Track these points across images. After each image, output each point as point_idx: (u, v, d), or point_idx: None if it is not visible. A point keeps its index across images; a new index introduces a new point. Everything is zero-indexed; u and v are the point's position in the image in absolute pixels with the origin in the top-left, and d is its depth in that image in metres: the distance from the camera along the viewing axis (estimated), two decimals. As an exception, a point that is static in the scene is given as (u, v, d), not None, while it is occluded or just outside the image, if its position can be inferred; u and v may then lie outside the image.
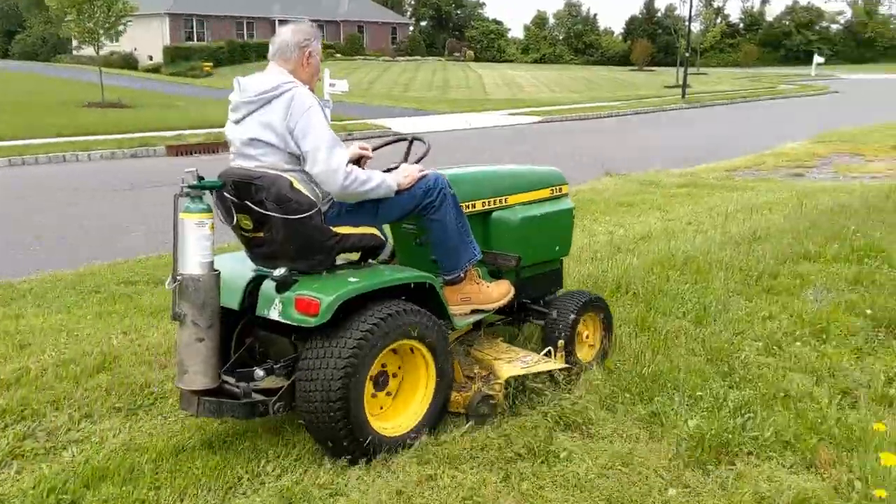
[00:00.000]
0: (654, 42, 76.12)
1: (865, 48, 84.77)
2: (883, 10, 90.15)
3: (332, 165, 3.09)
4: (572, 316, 3.93)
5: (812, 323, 4.65)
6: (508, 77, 50.93)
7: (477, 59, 77.91)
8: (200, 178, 2.97)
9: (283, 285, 3.06)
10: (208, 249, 2.98)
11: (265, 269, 3.24)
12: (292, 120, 3.08)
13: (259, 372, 3.16)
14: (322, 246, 3.18)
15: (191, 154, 15.30)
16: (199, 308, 2.96)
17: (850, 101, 31.45)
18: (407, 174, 3.41)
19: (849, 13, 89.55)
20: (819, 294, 5.27)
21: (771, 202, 8.98)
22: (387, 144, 4.03)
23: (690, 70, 60.75)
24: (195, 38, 54.44)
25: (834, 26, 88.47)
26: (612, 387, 3.70)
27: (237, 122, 3.21)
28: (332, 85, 19.08)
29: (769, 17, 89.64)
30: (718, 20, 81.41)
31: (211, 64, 48.86)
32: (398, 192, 3.35)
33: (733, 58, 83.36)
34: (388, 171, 3.45)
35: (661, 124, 22.31)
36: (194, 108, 23.21)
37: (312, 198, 3.13)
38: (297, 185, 3.08)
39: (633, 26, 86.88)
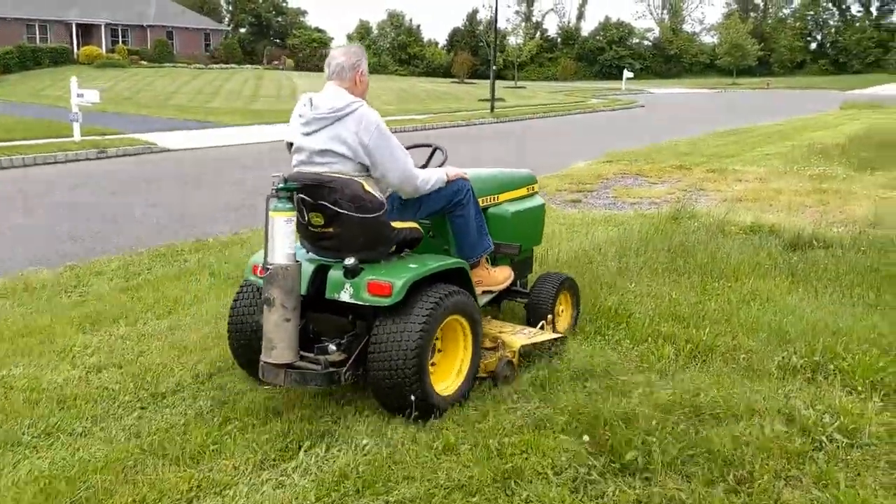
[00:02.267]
0: (477, 55, 76.74)
1: (672, 64, 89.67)
2: (687, 27, 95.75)
3: (407, 173, 3.74)
4: (554, 294, 4.64)
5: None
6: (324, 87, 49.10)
7: (299, 68, 75.55)
8: (285, 181, 3.42)
9: (352, 272, 3.51)
10: (294, 242, 3.43)
11: (327, 260, 3.71)
12: (364, 135, 3.57)
13: (332, 346, 3.58)
14: (386, 239, 3.67)
15: None
16: (286, 293, 3.39)
17: (652, 115, 32.03)
18: (449, 173, 4.04)
19: (657, 30, 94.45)
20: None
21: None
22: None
23: (509, 84, 61.81)
24: (-24, 42, 48.80)
25: (644, 43, 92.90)
26: None
27: (308, 133, 3.63)
28: (80, 95, 16.67)
29: (585, 33, 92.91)
30: (537, 34, 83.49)
31: (-2, 69, 43.94)
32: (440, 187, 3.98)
33: (552, 72, 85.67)
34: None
35: (463, 139, 21.28)
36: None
37: (381, 198, 3.63)
38: (367, 187, 3.59)
39: (456, 38, 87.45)
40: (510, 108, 35.02)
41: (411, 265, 3.65)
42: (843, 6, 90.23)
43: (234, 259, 6.89)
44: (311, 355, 3.58)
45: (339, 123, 3.58)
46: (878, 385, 3.99)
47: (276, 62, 73.39)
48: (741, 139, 18.93)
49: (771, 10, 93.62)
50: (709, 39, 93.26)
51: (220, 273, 6.45)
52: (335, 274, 3.60)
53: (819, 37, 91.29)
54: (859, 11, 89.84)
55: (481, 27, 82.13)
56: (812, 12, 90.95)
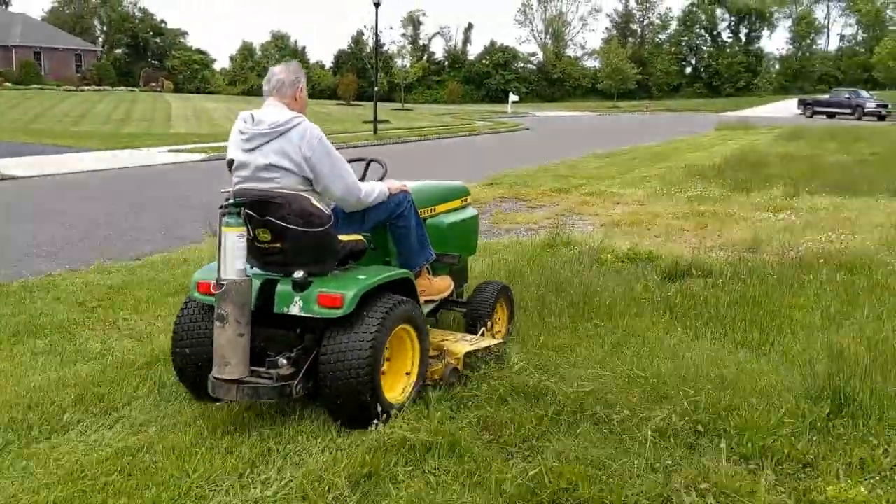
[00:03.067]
0: (363, 77, 76.09)
1: (556, 87, 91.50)
2: (570, 52, 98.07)
3: (350, 185, 3.82)
4: (493, 301, 4.79)
5: None
6: (202, 109, 47.32)
7: (179, 91, 73.03)
8: (235, 197, 3.45)
9: (302, 285, 3.54)
10: (245, 258, 3.48)
11: (271, 274, 3.73)
12: (307, 149, 3.63)
13: (282, 360, 3.59)
14: (333, 252, 3.73)
15: None
16: (240, 308, 3.42)
17: (536, 138, 32.02)
18: (392, 185, 4.19)
19: (541, 55, 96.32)
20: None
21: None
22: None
23: (396, 106, 61.39)
24: None
25: (528, 66, 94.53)
26: None
27: (251, 150, 3.65)
28: None
29: (471, 57, 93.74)
30: (424, 57, 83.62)
31: None
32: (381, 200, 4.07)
33: (440, 94, 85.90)
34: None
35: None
36: None
37: (328, 212, 3.69)
38: (314, 202, 3.64)
39: (342, 60, 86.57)
40: (395, 129, 34.37)
41: (360, 276, 3.71)
42: (715, 32, 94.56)
43: (32, 310, 5.82)
44: (262, 370, 3.59)
45: (281, 138, 3.62)
46: (769, 451, 3.38)
47: (153, 84, 70.57)
48: (620, 161, 18.85)
49: (648, 36, 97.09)
50: (591, 64, 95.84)
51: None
52: (283, 288, 3.61)
53: (693, 61, 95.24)
54: (730, 37, 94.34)
55: (367, 49, 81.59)
56: (686, 38, 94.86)
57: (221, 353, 3.44)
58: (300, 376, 3.59)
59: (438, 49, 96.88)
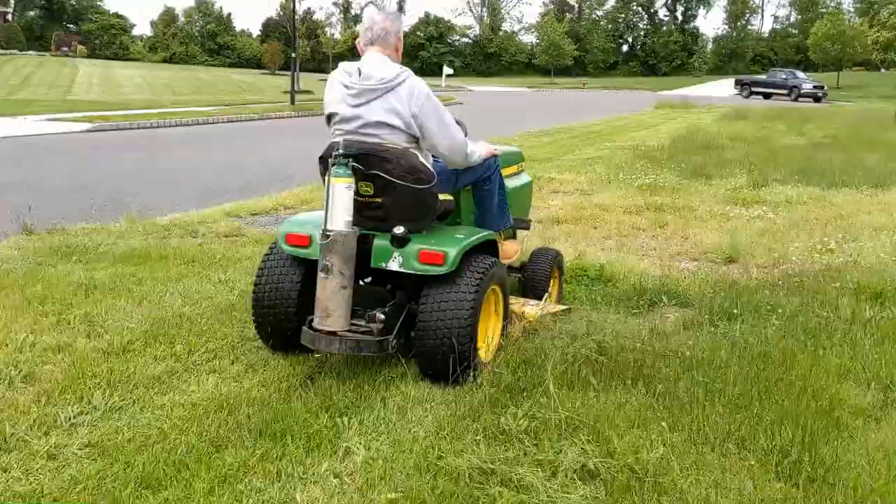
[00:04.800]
0: (290, 45, 72.70)
1: (492, 62, 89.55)
2: (506, 26, 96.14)
3: (458, 143, 3.73)
4: (549, 269, 4.72)
5: None
6: (111, 76, 43.99)
7: (95, 56, 68.66)
8: (345, 148, 3.37)
9: (401, 241, 3.49)
10: (352, 210, 3.36)
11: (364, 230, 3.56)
12: (415, 105, 3.51)
13: (380, 315, 3.54)
14: (432, 210, 3.66)
15: None
16: (345, 260, 3.33)
17: (470, 114, 29.95)
18: (486, 148, 4.09)
19: (477, 28, 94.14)
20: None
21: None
22: None
23: (322, 76, 58.52)
24: None
25: (464, 40, 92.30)
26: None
27: (358, 105, 3.51)
28: None
29: (405, 28, 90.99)
30: (357, 27, 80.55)
31: None
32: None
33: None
34: None
35: (242, 134, 18.03)
36: None
37: (433, 170, 3.62)
38: (421, 158, 3.58)
39: (269, 29, 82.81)
40: (316, 101, 31.90)
41: (457, 235, 3.69)
42: (652, 10, 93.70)
43: None
44: (361, 324, 3.53)
45: (390, 94, 3.50)
46: None
47: (64, 49, 66.08)
48: (559, 140, 16.89)
49: (585, 12, 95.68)
50: (527, 39, 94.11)
51: None
52: (381, 243, 3.54)
53: (630, 39, 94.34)
54: (666, 16, 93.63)
55: (297, 17, 77.96)
56: (623, 15, 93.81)
57: (324, 304, 3.35)
58: (395, 331, 3.54)
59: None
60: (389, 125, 3.50)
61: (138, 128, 18.93)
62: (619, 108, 32.81)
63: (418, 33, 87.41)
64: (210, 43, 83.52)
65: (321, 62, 71.45)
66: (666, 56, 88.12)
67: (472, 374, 3.52)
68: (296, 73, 29.58)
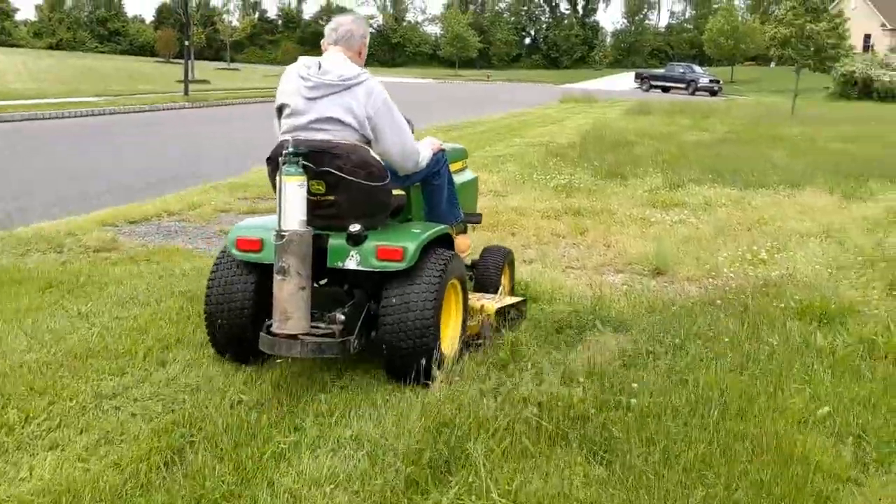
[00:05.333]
0: (186, 32, 69.96)
1: (397, 52, 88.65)
2: (410, 17, 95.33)
3: (410, 149, 3.72)
4: (501, 265, 4.63)
5: None
6: (-11, 63, 41.06)
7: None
8: (296, 146, 3.27)
9: (357, 239, 3.39)
10: (305, 209, 3.26)
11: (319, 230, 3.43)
12: (371, 108, 3.48)
13: (340, 315, 3.43)
14: (386, 206, 3.65)
15: None
16: (301, 260, 3.22)
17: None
18: (432, 145, 4.03)
19: (380, 18, 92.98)
20: None
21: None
22: None
23: (222, 65, 56.51)
24: None
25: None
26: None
27: (313, 98, 3.45)
28: None
29: (306, 16, 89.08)
30: (256, 14, 78.30)
31: None
32: None
33: (273, 55, 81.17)
34: None
35: (130, 128, 16.76)
36: None
37: (384, 165, 3.55)
38: (373, 153, 3.53)
39: (163, 15, 79.50)
40: (214, 91, 30.48)
41: (413, 230, 3.65)
42: (553, 3, 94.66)
43: None
44: (321, 326, 3.42)
45: (347, 92, 3.46)
46: None
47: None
48: (469, 135, 16.33)
49: (488, 4, 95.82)
50: (432, 30, 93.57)
51: None
52: (336, 242, 3.45)
53: (532, 32, 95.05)
54: (567, 10, 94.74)
55: (193, 3, 75.09)
56: (526, 8, 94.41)
57: (283, 307, 3.22)
58: (356, 331, 3.44)
59: (272, 6, 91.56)
60: (342, 122, 3.45)
61: (19, 119, 17.38)
62: (525, 101, 32.64)
63: (320, 21, 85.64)
64: (100, 29, 79.61)
65: (219, 50, 69.07)
66: (567, 49, 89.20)
67: (436, 372, 3.47)
68: (190, 62, 28.06)
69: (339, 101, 3.45)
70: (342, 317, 3.44)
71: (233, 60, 61.07)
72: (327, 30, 3.68)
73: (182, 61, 54.54)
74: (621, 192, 9.25)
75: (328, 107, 3.45)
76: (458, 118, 20.93)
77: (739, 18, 61.97)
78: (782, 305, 4.65)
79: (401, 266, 3.39)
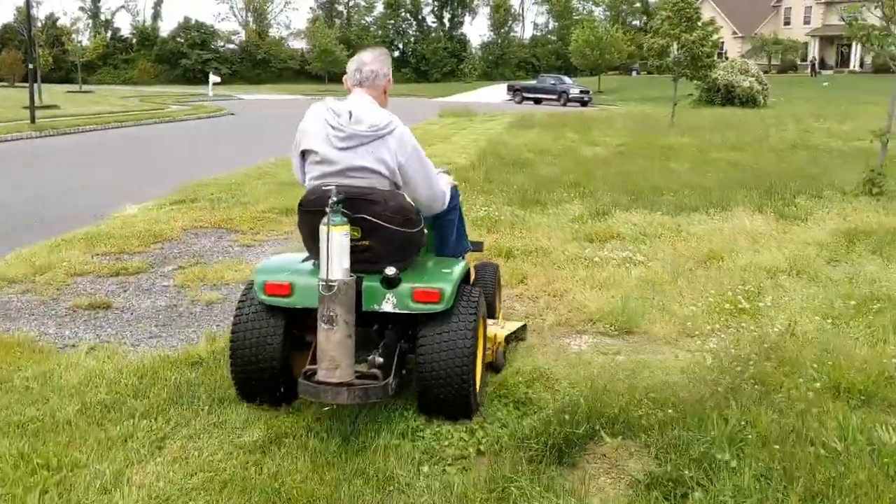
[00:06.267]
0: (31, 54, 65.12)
1: (262, 69, 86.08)
2: (274, 32, 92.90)
3: (438, 193, 3.78)
4: (494, 284, 4.66)
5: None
6: None
7: None
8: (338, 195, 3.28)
9: (392, 282, 3.39)
10: (349, 257, 3.28)
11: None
12: (402, 156, 3.51)
13: (378, 359, 3.43)
14: (419, 248, 3.69)
15: None
16: (348, 309, 3.24)
17: (244, 125, 27.40)
18: (448, 182, 4.08)
19: (242, 33, 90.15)
20: None
21: None
22: None
23: (73, 88, 52.72)
24: None
25: (230, 46, 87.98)
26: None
27: (345, 148, 3.46)
28: None
29: (163, 34, 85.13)
30: (108, 33, 73.99)
31: None
32: None
33: (129, 75, 77.08)
34: None
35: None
36: None
37: (418, 211, 3.62)
38: (408, 199, 3.56)
39: (7, 36, 73.89)
40: (64, 117, 27.83)
41: (443, 270, 3.70)
42: (420, 17, 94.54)
43: None
44: (360, 369, 3.39)
45: (379, 141, 3.48)
46: None
47: None
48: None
49: (355, 18, 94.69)
50: (298, 45, 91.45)
51: None
52: (371, 285, 3.44)
53: (401, 46, 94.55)
54: (434, 22, 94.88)
55: (39, 24, 70.09)
56: (393, 21, 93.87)
57: (331, 355, 3.24)
58: (393, 373, 3.43)
59: (125, 24, 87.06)
60: (375, 171, 3.48)
61: None
62: (404, 116, 31.53)
63: (178, 39, 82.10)
64: (-67, 50, 73.09)
65: (69, 72, 64.71)
66: (436, 62, 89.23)
67: (476, 408, 3.57)
68: (37, 87, 25.46)
69: (372, 150, 3.46)
70: (380, 359, 3.44)
71: (85, 82, 57.15)
72: (350, 69, 3.67)
73: (27, 85, 50.67)
74: (545, 223, 8.30)
75: (361, 156, 3.46)
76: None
77: (603, 29, 63.44)
78: (801, 380, 3.75)
79: (438, 308, 3.42)
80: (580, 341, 4.84)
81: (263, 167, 13.52)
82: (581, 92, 48.71)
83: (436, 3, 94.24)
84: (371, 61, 3.64)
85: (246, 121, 30.11)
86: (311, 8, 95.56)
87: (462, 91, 66.15)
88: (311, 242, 3.46)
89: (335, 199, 3.22)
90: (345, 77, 3.71)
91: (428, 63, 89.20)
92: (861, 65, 70.95)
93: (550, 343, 4.73)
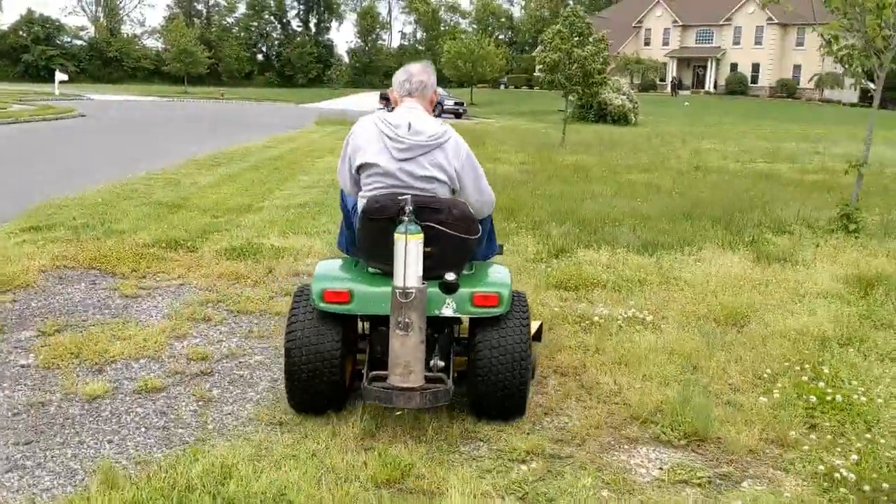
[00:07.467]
0: None
1: (113, 67, 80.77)
2: (127, 29, 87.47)
3: (489, 197, 3.85)
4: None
5: None
6: None
7: None
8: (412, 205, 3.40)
9: (451, 287, 3.42)
10: (422, 265, 3.38)
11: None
12: (458, 162, 3.61)
13: (440, 362, 3.54)
14: (474, 254, 3.82)
15: None
16: (421, 315, 3.36)
17: (98, 129, 24.55)
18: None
19: (92, 29, 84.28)
20: None
21: None
22: None
23: None
24: None
25: (77, 42, 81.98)
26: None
27: (406, 159, 3.54)
28: None
29: (4, 27, 78.28)
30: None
31: None
32: None
33: (-39, 69, 70.31)
34: None
35: None
36: None
37: (476, 218, 3.68)
38: (470, 208, 3.63)
39: None
40: None
41: (497, 274, 3.79)
42: (285, 20, 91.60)
43: None
44: (429, 373, 3.48)
45: (437, 150, 3.58)
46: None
47: None
48: (241, 174, 13.23)
49: (215, 18, 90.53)
50: (153, 44, 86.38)
51: None
52: (432, 291, 3.47)
53: (264, 49, 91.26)
54: (299, 27, 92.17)
55: None
56: (256, 23, 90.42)
57: (404, 361, 3.35)
58: (450, 375, 3.53)
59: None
60: (437, 179, 3.56)
61: None
62: (276, 123, 29.70)
63: (21, 33, 75.65)
64: None
65: None
66: (302, 67, 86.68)
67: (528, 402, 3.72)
68: None
69: (432, 159, 3.56)
70: (441, 363, 3.53)
71: None
72: (397, 80, 3.80)
73: None
74: (500, 260, 6.93)
75: (423, 165, 3.55)
76: (208, 147, 17.60)
77: (475, 42, 63.23)
78: None
79: (498, 311, 3.51)
80: (638, 457, 3.48)
81: (134, 182, 11.44)
82: (455, 104, 47.98)
83: (301, 7, 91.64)
84: (419, 72, 3.79)
85: (101, 123, 27.14)
86: (168, 6, 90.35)
87: (329, 98, 64.24)
88: (374, 249, 3.57)
89: (411, 208, 3.32)
90: (391, 90, 3.82)
91: (293, 68, 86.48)
92: (715, 86, 74.56)
93: (598, 458, 3.36)
